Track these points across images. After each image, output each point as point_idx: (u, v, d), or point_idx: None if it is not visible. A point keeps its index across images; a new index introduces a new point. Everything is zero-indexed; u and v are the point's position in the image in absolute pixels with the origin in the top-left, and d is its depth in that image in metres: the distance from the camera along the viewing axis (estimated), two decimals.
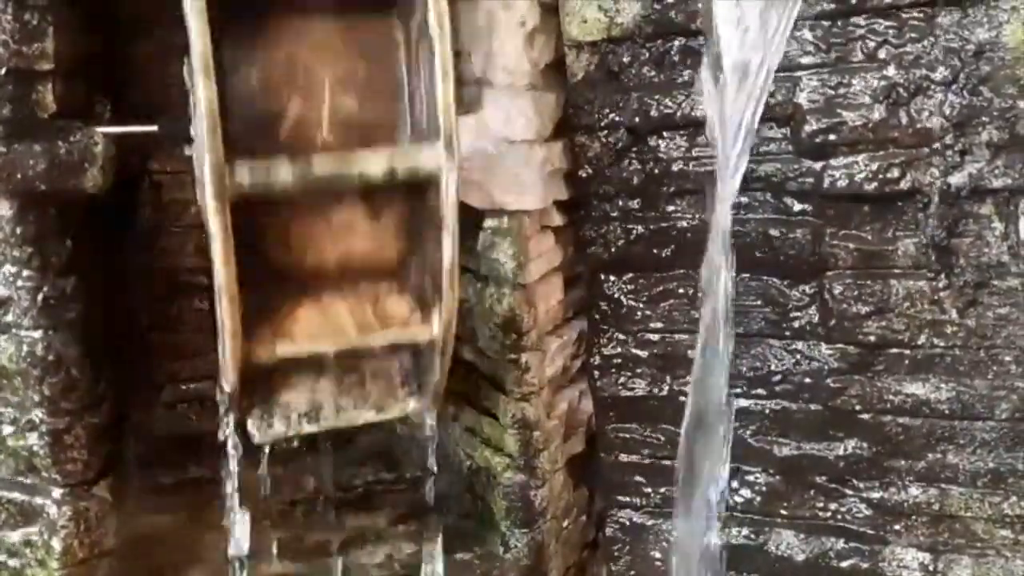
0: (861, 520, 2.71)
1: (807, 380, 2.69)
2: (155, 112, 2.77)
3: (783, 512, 2.80)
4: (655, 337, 2.86)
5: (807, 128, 2.49)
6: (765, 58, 2.40)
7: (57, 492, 2.56)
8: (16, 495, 2.59)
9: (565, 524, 2.99)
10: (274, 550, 2.75)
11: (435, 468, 2.51)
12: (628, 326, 2.88)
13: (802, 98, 2.49)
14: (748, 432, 2.77)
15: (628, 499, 2.98)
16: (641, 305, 2.85)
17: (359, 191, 2.24)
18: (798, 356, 2.69)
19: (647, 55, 2.65)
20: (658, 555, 2.96)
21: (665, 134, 2.68)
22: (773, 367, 2.72)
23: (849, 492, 2.71)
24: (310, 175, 2.09)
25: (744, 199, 2.59)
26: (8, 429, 2.52)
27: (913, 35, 2.38)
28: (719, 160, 2.53)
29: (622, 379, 2.91)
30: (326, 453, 3.04)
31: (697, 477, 2.78)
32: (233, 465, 2.33)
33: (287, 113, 2.24)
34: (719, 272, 2.60)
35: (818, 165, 2.52)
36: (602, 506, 3.07)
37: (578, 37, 2.69)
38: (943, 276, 2.48)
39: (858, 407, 2.64)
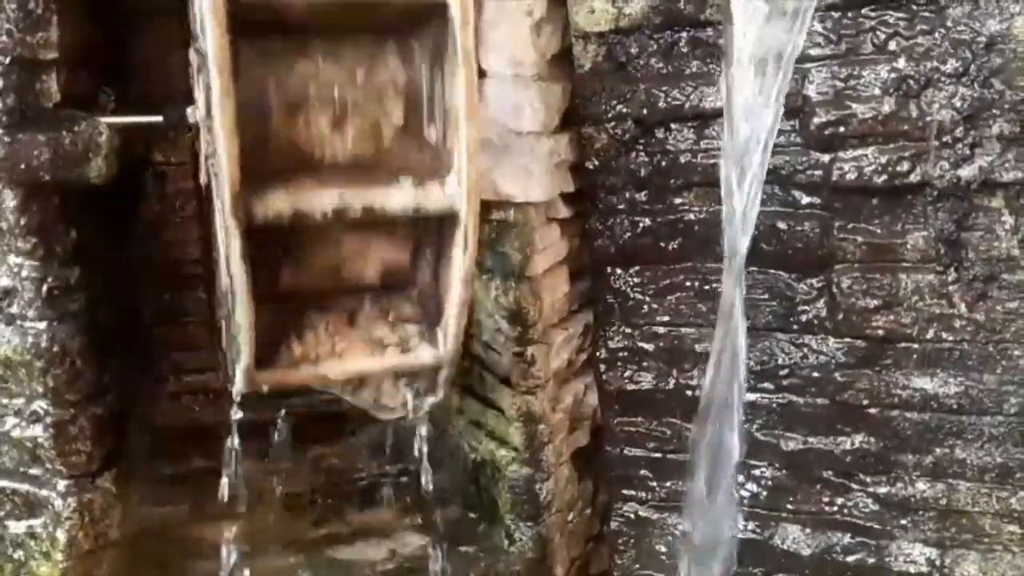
0: (868, 515, 2.70)
1: (814, 374, 2.68)
2: (160, 102, 2.76)
3: (789, 506, 2.79)
4: (662, 330, 2.85)
5: (816, 120, 2.47)
6: (785, 49, 2.38)
7: (61, 484, 2.55)
8: (20, 486, 2.58)
9: (570, 517, 2.98)
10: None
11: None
12: (634, 319, 2.86)
13: (811, 90, 2.47)
14: (755, 426, 2.76)
15: (633, 492, 2.97)
16: (648, 298, 2.84)
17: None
18: (805, 350, 2.68)
19: (655, 46, 2.64)
20: (663, 549, 2.96)
21: (673, 126, 2.67)
22: (780, 361, 2.71)
23: (856, 487, 2.70)
24: (322, 209, 2.11)
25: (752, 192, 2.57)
26: (12, 420, 2.51)
27: (924, 27, 2.36)
28: (734, 154, 2.51)
29: (628, 372, 2.90)
30: (329, 446, 3.04)
31: None
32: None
33: (300, 131, 2.24)
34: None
35: (827, 158, 2.50)
36: (607, 499, 3.07)
37: (585, 27, 2.67)
38: (952, 270, 2.47)
39: (866, 401, 2.63)
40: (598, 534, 3.15)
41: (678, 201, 2.73)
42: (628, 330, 2.88)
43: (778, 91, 2.44)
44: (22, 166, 2.33)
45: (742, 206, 2.52)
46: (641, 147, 2.71)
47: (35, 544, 2.58)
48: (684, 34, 2.61)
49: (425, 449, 2.51)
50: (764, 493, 2.80)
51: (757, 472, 2.80)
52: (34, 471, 2.56)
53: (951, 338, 2.52)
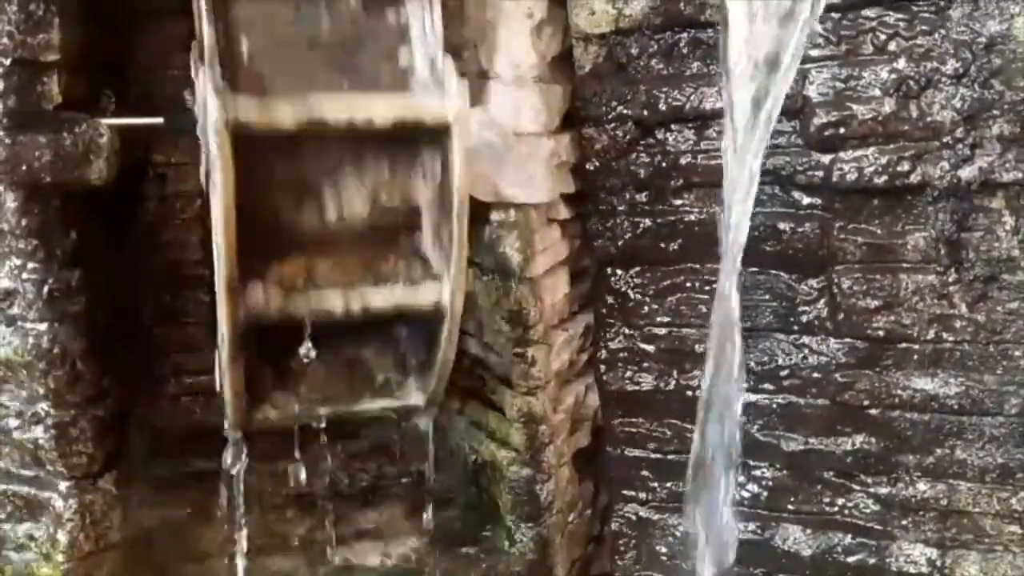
0: (868, 515, 2.70)
1: (815, 375, 2.68)
2: (160, 104, 2.76)
3: (790, 507, 2.79)
4: (662, 331, 2.85)
5: (816, 121, 2.47)
6: (784, 51, 2.38)
7: (63, 485, 2.56)
8: (21, 488, 2.58)
9: (571, 518, 2.99)
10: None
11: None
12: (635, 320, 2.87)
13: (811, 91, 2.48)
14: (755, 427, 2.76)
15: (634, 493, 2.97)
16: (648, 299, 2.84)
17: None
18: (806, 351, 2.68)
19: (655, 47, 2.64)
20: (664, 550, 2.96)
21: (673, 127, 2.67)
22: (781, 361, 2.71)
23: (856, 487, 2.70)
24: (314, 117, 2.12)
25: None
26: (14, 422, 2.52)
27: (924, 27, 2.36)
28: (732, 156, 2.51)
29: (628, 373, 2.90)
30: (329, 447, 3.04)
31: None
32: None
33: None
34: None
35: (827, 158, 2.50)
36: (608, 500, 3.07)
37: (586, 29, 2.67)
38: (952, 270, 2.47)
39: (866, 402, 2.63)
40: (599, 535, 3.15)
41: (678, 202, 2.73)
42: (628, 331, 2.89)
43: (776, 93, 2.44)
44: (23, 168, 2.33)
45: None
46: (641, 148, 2.71)
47: (36, 545, 2.58)
48: (684, 35, 2.61)
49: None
50: (765, 494, 2.80)
51: (758, 473, 2.80)
52: (35, 473, 2.56)
53: (952, 339, 2.52)
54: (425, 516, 2.68)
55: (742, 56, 2.38)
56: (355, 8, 2.29)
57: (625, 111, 2.69)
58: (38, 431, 2.51)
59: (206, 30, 2.09)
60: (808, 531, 2.78)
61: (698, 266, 2.75)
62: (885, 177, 2.45)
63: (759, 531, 2.83)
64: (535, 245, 2.72)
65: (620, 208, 2.78)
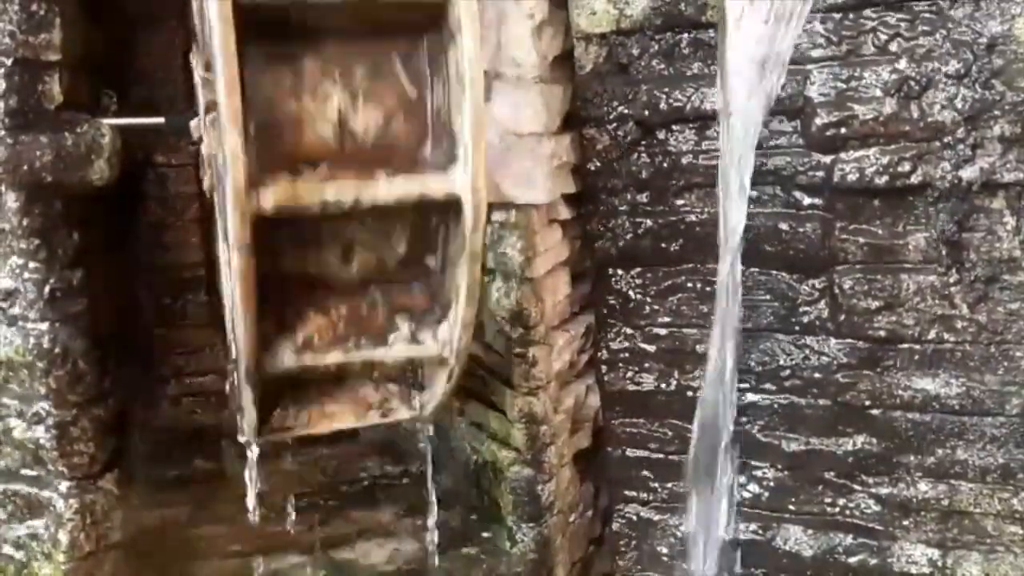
0: (870, 516, 2.70)
1: (816, 375, 2.68)
2: (161, 105, 2.77)
3: (791, 507, 2.79)
4: (663, 331, 2.85)
5: (817, 121, 2.47)
6: (779, 51, 2.38)
7: (63, 485, 2.56)
8: (22, 488, 2.59)
9: (572, 519, 2.98)
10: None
11: None
12: (636, 320, 2.87)
13: (812, 91, 2.48)
14: (756, 427, 2.76)
15: (635, 494, 2.97)
16: (649, 299, 2.84)
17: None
18: (807, 351, 2.68)
19: (656, 47, 2.64)
20: (665, 550, 2.96)
21: (674, 127, 2.67)
22: (782, 362, 2.71)
23: (858, 488, 2.70)
24: (328, 201, 2.05)
25: (753, 193, 2.57)
26: (15, 421, 2.52)
27: (925, 28, 2.37)
28: (730, 155, 2.51)
29: (629, 374, 2.91)
30: (331, 447, 3.05)
31: None
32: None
33: (307, 128, 2.21)
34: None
35: (828, 159, 2.50)
36: (609, 501, 3.07)
37: (587, 29, 2.67)
38: (954, 271, 2.47)
39: (867, 402, 2.63)
40: (600, 536, 3.15)
41: (679, 202, 2.73)
42: (629, 331, 2.89)
43: (771, 93, 2.45)
44: (24, 168, 2.34)
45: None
46: (642, 148, 2.71)
47: (37, 545, 2.58)
48: (685, 35, 2.61)
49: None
50: (766, 494, 2.80)
51: (759, 473, 2.80)
52: (36, 472, 2.57)
53: (953, 339, 2.52)
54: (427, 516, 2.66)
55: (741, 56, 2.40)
56: None
57: (626, 111, 2.69)
58: (39, 431, 2.51)
59: None
60: (809, 531, 2.78)
61: (699, 266, 2.75)
62: (886, 177, 2.45)
63: (760, 532, 2.83)
64: (536, 246, 2.71)
65: (621, 209, 2.78)
